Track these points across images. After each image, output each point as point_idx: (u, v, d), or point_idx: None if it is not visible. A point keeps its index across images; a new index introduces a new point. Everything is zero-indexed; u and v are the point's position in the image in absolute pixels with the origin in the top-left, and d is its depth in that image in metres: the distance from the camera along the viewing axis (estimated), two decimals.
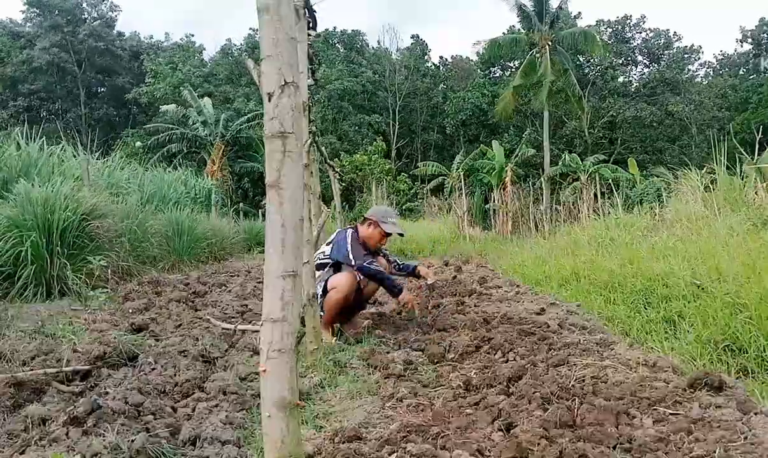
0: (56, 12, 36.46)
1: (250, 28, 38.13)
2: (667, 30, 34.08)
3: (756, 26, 38.48)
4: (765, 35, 38.25)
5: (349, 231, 4.14)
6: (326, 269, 4.08)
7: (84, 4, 38.76)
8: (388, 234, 4.25)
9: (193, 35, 40.56)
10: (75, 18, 37.44)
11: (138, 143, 23.81)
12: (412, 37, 39.16)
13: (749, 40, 39.21)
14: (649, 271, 4.65)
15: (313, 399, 2.69)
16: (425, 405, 2.49)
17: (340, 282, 3.92)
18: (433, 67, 37.25)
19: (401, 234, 4.52)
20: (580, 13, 32.08)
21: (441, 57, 39.41)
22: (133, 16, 57.85)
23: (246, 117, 24.80)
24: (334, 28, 37.14)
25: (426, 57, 37.49)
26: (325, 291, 3.96)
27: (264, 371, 1.45)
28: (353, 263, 3.94)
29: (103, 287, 5.38)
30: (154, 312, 4.56)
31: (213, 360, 3.23)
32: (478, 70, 36.54)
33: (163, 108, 24.70)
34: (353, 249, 3.98)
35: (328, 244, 4.20)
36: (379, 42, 40.00)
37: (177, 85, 28.44)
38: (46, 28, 36.19)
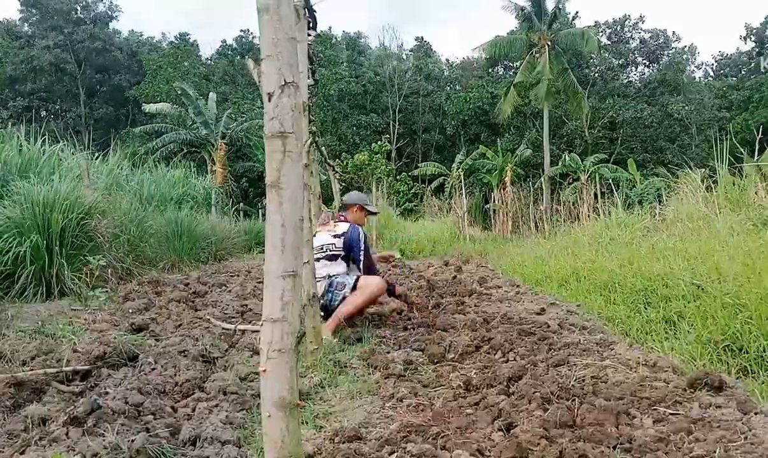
0: (53, 13, 36.42)
1: (241, 30, 38.12)
2: (665, 30, 34.08)
3: (761, 24, 38.43)
4: None
5: (361, 234, 4.43)
6: (338, 260, 4.34)
7: (82, 3, 38.70)
8: (373, 213, 4.99)
9: (188, 34, 40.32)
10: (73, 18, 37.40)
11: (140, 148, 23.73)
12: (416, 38, 39.09)
13: (753, 37, 39.15)
14: (649, 271, 4.65)
15: (313, 399, 2.69)
16: (425, 405, 2.49)
17: (372, 283, 4.21)
18: (436, 69, 37.22)
19: (376, 212, 5.43)
20: (577, 12, 32.02)
21: (446, 60, 39.34)
22: (133, 16, 57.93)
23: (244, 116, 24.77)
24: (330, 28, 37.08)
25: (430, 58, 37.49)
26: (346, 281, 4.22)
27: (264, 371, 1.45)
28: (374, 272, 4.45)
29: (103, 287, 5.38)
30: (154, 312, 4.56)
31: (213, 360, 3.23)
32: (480, 70, 36.56)
33: (152, 106, 24.36)
34: (366, 259, 4.40)
35: (335, 236, 4.38)
36: (381, 44, 39.94)
37: (177, 86, 28.44)
38: (46, 28, 36.19)
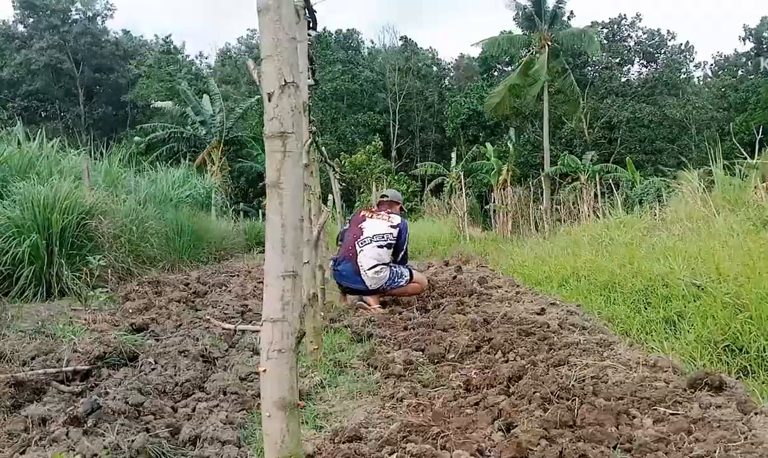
0: (48, 12, 36.34)
1: (248, 29, 38.14)
2: (658, 29, 34.07)
3: (758, 25, 38.48)
4: (767, 34, 38.23)
5: (409, 229, 5.24)
6: (390, 249, 5.02)
7: (78, 4, 38.57)
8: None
9: (170, 35, 40.20)
10: (68, 18, 37.31)
11: (137, 138, 23.69)
12: (401, 38, 38.94)
13: (751, 37, 39.20)
14: (649, 271, 4.64)
15: (313, 399, 2.69)
16: (425, 405, 2.49)
17: (422, 280, 5.28)
18: (424, 66, 37.09)
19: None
20: (572, 11, 31.96)
21: (433, 56, 39.14)
22: (132, 16, 57.84)
23: (240, 114, 24.72)
24: (324, 28, 36.97)
25: (419, 57, 37.43)
26: (404, 272, 5.09)
27: (264, 371, 1.45)
28: (407, 262, 5.24)
29: (103, 287, 5.37)
30: (154, 312, 4.56)
31: (213, 360, 3.23)
32: (478, 70, 36.56)
33: (158, 104, 24.44)
34: (406, 252, 5.19)
35: (392, 227, 5.05)
36: (372, 42, 39.92)
37: (171, 87, 28.38)
38: (41, 29, 36.13)
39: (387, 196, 5.49)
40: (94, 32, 37.09)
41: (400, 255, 5.09)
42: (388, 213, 5.16)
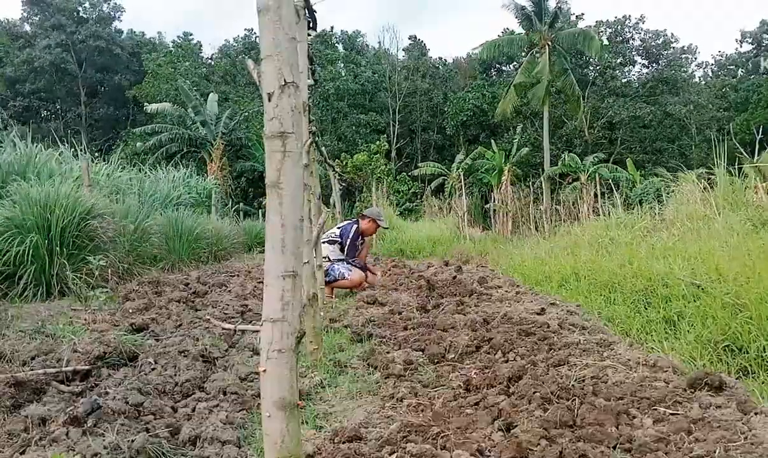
0: (56, 11, 36.33)
1: (245, 29, 38.10)
2: (665, 30, 34.10)
3: (757, 27, 38.47)
4: (766, 36, 38.21)
5: (354, 227, 6.32)
6: (335, 245, 6.18)
7: (86, 4, 38.58)
8: (385, 228, 7.51)
9: (191, 34, 40.00)
10: (76, 18, 37.30)
11: (138, 144, 23.66)
12: (410, 37, 38.99)
13: (749, 40, 39.21)
14: (649, 271, 4.64)
15: (313, 399, 2.69)
16: (425, 405, 2.49)
17: (354, 277, 6.08)
18: (432, 67, 37.13)
19: (387, 228, 8.39)
20: (582, 13, 31.94)
21: (440, 57, 39.25)
22: (133, 15, 57.84)
23: (243, 115, 24.71)
24: (332, 28, 36.97)
25: (425, 57, 37.45)
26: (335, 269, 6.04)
27: (264, 371, 1.45)
28: (353, 256, 6.28)
29: (103, 287, 5.36)
30: (154, 312, 4.56)
31: (213, 360, 3.23)
32: (478, 70, 36.54)
33: (153, 106, 24.33)
34: (349, 249, 6.25)
35: (338, 228, 6.39)
36: (380, 43, 39.93)
37: (177, 86, 28.38)
38: (47, 27, 36.11)
39: (363, 212, 6.69)
40: (101, 34, 37.01)
41: (345, 249, 6.20)
42: (352, 220, 6.53)
